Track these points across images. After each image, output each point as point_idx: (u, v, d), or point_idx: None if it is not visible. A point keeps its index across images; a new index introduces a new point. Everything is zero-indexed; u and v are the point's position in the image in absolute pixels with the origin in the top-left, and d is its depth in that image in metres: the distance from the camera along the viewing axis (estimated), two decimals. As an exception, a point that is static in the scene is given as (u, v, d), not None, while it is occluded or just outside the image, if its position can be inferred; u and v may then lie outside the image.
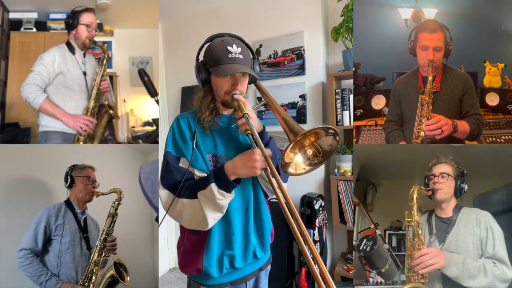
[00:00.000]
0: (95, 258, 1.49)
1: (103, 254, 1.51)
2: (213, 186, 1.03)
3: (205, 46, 1.18)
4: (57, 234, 1.48)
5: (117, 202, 1.56)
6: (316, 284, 2.27)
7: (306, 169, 1.03)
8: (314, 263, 0.79)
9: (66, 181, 1.57)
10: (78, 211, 1.56)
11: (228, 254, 1.14)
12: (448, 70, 1.54)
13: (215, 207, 1.05)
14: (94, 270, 1.49)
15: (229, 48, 1.09)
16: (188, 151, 1.11)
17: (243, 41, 1.17)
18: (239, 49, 1.10)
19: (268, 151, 1.02)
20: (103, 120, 1.81)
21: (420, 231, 1.42)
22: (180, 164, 1.11)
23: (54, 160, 1.72)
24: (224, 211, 1.07)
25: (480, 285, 1.33)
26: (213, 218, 1.06)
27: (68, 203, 1.56)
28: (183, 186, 1.08)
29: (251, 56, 1.17)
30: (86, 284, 1.47)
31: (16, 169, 1.66)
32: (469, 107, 1.51)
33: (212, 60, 1.10)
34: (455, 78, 1.53)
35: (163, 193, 1.10)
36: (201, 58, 1.19)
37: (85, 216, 1.59)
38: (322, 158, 1.03)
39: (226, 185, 1.04)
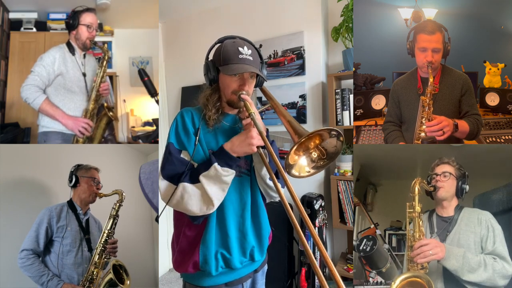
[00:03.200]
0: (96, 260, 1.50)
1: (104, 256, 1.51)
2: (216, 165, 1.06)
3: (216, 46, 1.19)
4: (59, 236, 1.48)
5: (118, 204, 1.56)
6: (316, 283, 2.27)
7: (310, 172, 1.04)
8: (315, 253, 0.79)
9: (70, 180, 1.56)
10: (80, 212, 1.56)
11: (223, 253, 1.14)
12: (446, 70, 1.54)
13: (218, 186, 1.07)
14: (95, 272, 1.49)
15: (240, 49, 1.11)
16: (190, 146, 1.12)
17: (253, 46, 1.19)
18: (250, 51, 1.12)
19: (263, 128, 1.07)
20: (102, 122, 1.80)
21: (420, 222, 1.43)
22: (182, 156, 1.12)
23: (55, 160, 1.72)
24: (227, 189, 1.09)
25: (480, 279, 1.34)
26: (217, 199, 1.07)
27: (70, 203, 1.56)
28: (183, 173, 1.09)
29: (260, 60, 1.19)
30: (86, 285, 1.47)
31: (16, 169, 1.66)
32: (468, 107, 1.51)
33: (223, 59, 1.12)
34: (453, 78, 1.53)
35: (163, 184, 1.10)
36: (210, 58, 1.20)
37: (87, 217, 1.59)
38: (328, 160, 1.04)
39: (227, 161, 1.08)
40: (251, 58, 1.11)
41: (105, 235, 1.52)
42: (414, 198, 1.45)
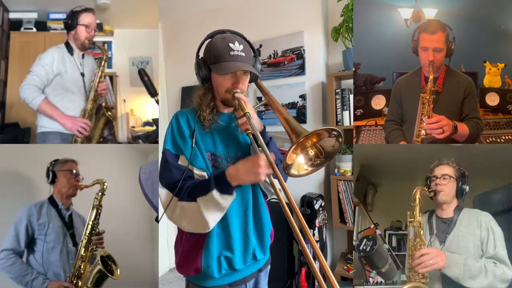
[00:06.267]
0: (82, 253, 1.45)
1: (90, 249, 1.46)
2: (215, 192, 1.01)
3: (206, 42, 1.15)
4: (41, 233, 1.45)
5: (100, 193, 1.51)
6: (316, 284, 2.27)
7: (308, 170, 1.02)
8: (315, 261, 0.78)
9: (48, 176, 1.53)
10: (62, 207, 1.53)
11: (227, 255, 1.13)
12: (450, 72, 1.55)
13: (216, 210, 1.03)
14: (82, 266, 1.44)
15: (230, 45, 1.06)
16: (187, 149, 1.09)
17: (245, 39, 1.14)
18: (241, 46, 1.07)
19: (272, 156, 0.98)
20: (100, 122, 1.80)
21: (421, 232, 1.42)
22: (179, 162, 1.09)
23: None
24: (225, 211, 1.06)
25: (481, 285, 1.34)
26: (213, 220, 1.04)
27: (51, 200, 1.52)
28: (182, 187, 1.06)
29: (253, 54, 1.14)
30: (74, 281, 1.42)
31: (15, 169, 1.65)
32: (469, 110, 1.52)
33: (213, 57, 1.08)
34: (457, 81, 1.53)
35: (163, 192, 1.09)
36: (201, 54, 1.16)
37: (70, 212, 1.56)
38: (324, 159, 1.02)
39: (228, 191, 1.02)
40: (243, 54, 1.07)
41: (89, 226, 1.47)
42: (415, 208, 1.44)
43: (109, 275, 1.45)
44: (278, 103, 1.17)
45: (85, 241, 1.46)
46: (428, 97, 1.51)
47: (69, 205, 1.56)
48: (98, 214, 1.50)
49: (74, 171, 1.55)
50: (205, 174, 1.10)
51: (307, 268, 2.27)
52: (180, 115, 1.16)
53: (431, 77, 1.50)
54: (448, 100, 1.53)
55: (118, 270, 1.49)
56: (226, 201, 1.03)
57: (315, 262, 0.79)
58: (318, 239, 2.30)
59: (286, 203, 0.91)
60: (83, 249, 1.45)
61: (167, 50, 3.27)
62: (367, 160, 1.70)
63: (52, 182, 1.53)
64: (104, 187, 1.53)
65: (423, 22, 1.61)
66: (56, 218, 1.49)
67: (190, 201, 1.04)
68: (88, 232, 1.47)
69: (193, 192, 1.05)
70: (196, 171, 1.10)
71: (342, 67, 2.47)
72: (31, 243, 1.45)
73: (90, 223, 1.48)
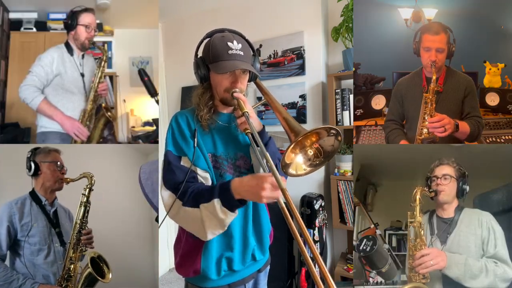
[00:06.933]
0: (71, 254, 1.36)
1: (79, 250, 1.37)
2: (216, 202, 0.97)
3: (205, 41, 1.15)
4: (24, 235, 1.34)
5: (88, 189, 1.41)
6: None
7: (307, 170, 1.01)
8: (314, 264, 0.78)
9: (29, 168, 1.39)
10: (45, 203, 1.41)
11: (226, 256, 1.12)
12: (451, 72, 1.56)
13: (215, 224, 0.99)
14: (71, 268, 1.36)
15: (229, 44, 1.06)
16: (190, 150, 1.08)
17: (244, 37, 1.14)
18: (240, 45, 1.07)
19: (283, 182, 0.88)
20: (100, 123, 1.80)
21: (422, 232, 1.42)
22: (182, 163, 1.08)
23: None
24: (226, 228, 1.01)
25: (482, 285, 1.34)
26: (212, 233, 1.02)
27: (33, 195, 1.39)
28: (187, 190, 1.04)
29: (252, 53, 1.14)
30: (63, 284, 1.35)
31: (15, 169, 1.65)
32: (470, 109, 1.53)
33: (212, 56, 1.08)
34: (457, 80, 1.55)
35: (165, 194, 1.07)
36: (200, 53, 1.16)
37: (54, 208, 1.45)
38: (324, 159, 1.01)
39: (230, 202, 0.97)
40: (241, 53, 1.07)
41: (77, 225, 1.38)
42: (415, 208, 1.44)
43: (100, 279, 1.36)
44: (277, 102, 1.16)
45: (74, 241, 1.37)
46: (430, 97, 1.53)
47: (53, 199, 1.45)
48: (86, 212, 1.40)
49: (59, 163, 1.43)
50: (207, 175, 1.09)
51: (307, 268, 2.27)
52: (179, 116, 1.15)
53: (434, 77, 1.52)
54: (449, 100, 1.54)
55: (110, 273, 1.41)
56: (226, 217, 0.98)
57: (314, 265, 0.79)
58: (318, 239, 2.29)
59: (284, 202, 0.91)
60: (71, 250, 1.37)
61: (167, 50, 3.27)
62: (367, 160, 1.70)
63: (35, 174, 1.39)
64: (92, 181, 1.42)
65: (425, 24, 1.61)
66: (40, 216, 1.38)
67: (194, 207, 1.02)
68: (76, 232, 1.38)
69: (197, 197, 1.03)
70: (200, 172, 1.09)
71: (342, 67, 2.47)
72: (14, 245, 1.34)
73: (78, 221, 1.38)
